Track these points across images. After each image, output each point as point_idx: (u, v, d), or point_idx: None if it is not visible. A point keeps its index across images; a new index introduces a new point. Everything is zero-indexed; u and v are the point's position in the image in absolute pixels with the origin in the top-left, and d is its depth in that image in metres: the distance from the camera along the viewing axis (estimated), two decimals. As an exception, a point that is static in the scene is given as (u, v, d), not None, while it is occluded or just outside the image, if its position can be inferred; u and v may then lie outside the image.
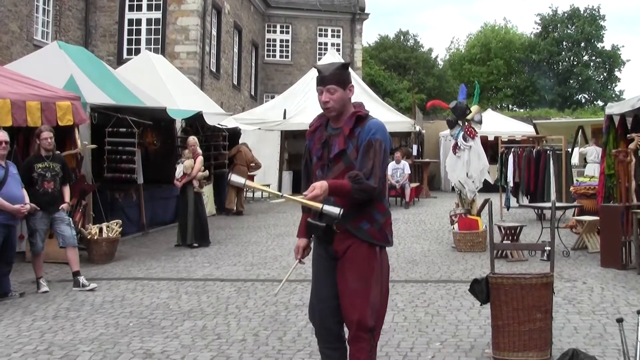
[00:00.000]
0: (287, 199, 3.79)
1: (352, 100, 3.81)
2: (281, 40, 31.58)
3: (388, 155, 3.76)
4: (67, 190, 7.98)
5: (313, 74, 14.65)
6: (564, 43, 45.64)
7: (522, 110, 43.21)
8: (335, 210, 3.46)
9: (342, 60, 22.67)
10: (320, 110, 3.85)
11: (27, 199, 7.28)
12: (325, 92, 3.70)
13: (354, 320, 3.67)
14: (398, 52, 42.53)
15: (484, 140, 12.91)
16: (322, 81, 3.72)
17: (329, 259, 3.79)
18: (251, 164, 16.08)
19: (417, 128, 21.07)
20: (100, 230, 9.45)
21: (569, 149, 15.03)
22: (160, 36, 21.43)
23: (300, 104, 19.79)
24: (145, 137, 13.66)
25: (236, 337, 5.61)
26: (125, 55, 21.05)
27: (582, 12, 45.41)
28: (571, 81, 45.49)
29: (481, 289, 4.94)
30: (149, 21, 21.61)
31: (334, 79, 3.71)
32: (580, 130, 16.94)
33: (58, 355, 5.15)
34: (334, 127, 3.80)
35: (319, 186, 3.47)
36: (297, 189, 18.64)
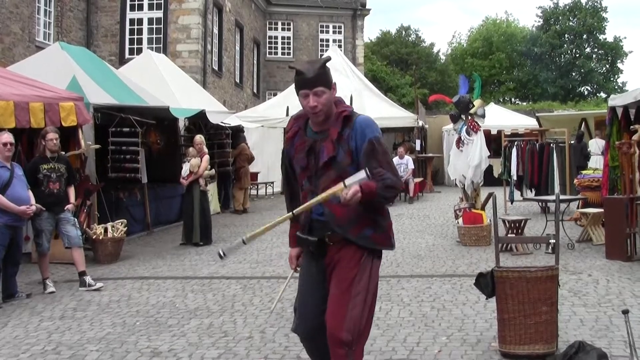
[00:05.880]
0: (300, 212, 3.35)
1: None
2: (283, 38, 31.56)
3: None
4: (72, 191, 8.02)
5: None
6: (566, 35, 45.47)
7: (524, 103, 43.17)
8: (361, 174, 3.16)
9: (344, 58, 22.69)
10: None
11: (32, 200, 7.29)
12: (312, 95, 3.34)
13: (328, 331, 3.39)
14: (400, 47, 42.52)
15: (487, 134, 12.89)
16: (306, 84, 3.34)
17: (320, 273, 3.53)
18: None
19: (420, 123, 21.05)
20: (105, 230, 9.48)
21: (572, 142, 14.98)
22: (161, 35, 21.44)
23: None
24: (149, 137, 13.66)
25: (243, 335, 5.63)
26: (127, 55, 21.05)
27: (583, 4, 45.23)
28: (573, 73, 45.33)
29: (486, 283, 4.94)
30: (150, 20, 21.62)
31: (320, 80, 3.35)
32: (584, 123, 16.90)
33: (66, 355, 5.18)
34: (316, 131, 3.48)
35: (354, 191, 3.17)
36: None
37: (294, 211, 3.35)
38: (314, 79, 3.34)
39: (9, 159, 7.14)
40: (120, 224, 9.69)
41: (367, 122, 3.44)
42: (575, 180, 12.67)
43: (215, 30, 23.62)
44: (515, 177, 14.16)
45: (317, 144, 3.45)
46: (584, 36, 45.25)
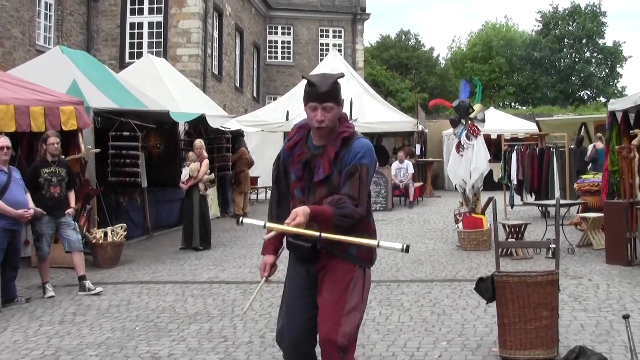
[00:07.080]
0: (270, 228, 3.33)
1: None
2: (283, 42, 31.58)
3: (372, 176, 3.47)
4: (72, 195, 8.03)
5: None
6: (565, 40, 45.53)
7: (524, 107, 43.19)
8: (397, 245, 3.14)
9: (344, 62, 22.67)
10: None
11: (31, 204, 7.28)
12: (321, 109, 3.35)
13: (322, 335, 3.37)
14: (400, 51, 42.50)
15: (487, 139, 12.89)
16: (317, 97, 3.35)
17: (309, 279, 3.52)
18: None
19: (420, 127, 21.04)
20: (105, 234, 9.46)
21: (572, 146, 15.00)
22: (162, 39, 21.43)
23: (303, 105, 19.75)
24: (149, 141, 13.68)
25: (243, 339, 5.62)
26: (127, 59, 21.05)
27: (583, 9, 45.31)
28: (573, 78, 45.38)
29: (487, 288, 4.94)
30: (150, 25, 21.62)
31: (331, 95, 3.35)
32: (584, 127, 16.91)
33: (65, 360, 5.17)
34: (316, 145, 3.47)
35: (301, 212, 3.17)
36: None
37: (266, 224, 3.32)
38: (326, 94, 3.35)
39: (6, 163, 7.13)
40: (120, 228, 9.68)
41: (365, 147, 3.41)
42: (575, 185, 12.68)
43: (216, 35, 23.64)
44: (515, 182, 14.17)
45: (314, 158, 3.45)
46: (584, 41, 45.31)
